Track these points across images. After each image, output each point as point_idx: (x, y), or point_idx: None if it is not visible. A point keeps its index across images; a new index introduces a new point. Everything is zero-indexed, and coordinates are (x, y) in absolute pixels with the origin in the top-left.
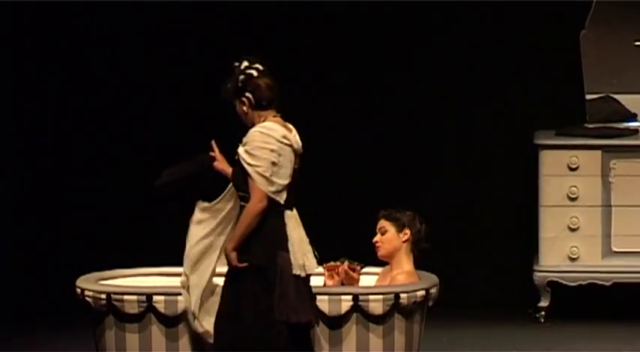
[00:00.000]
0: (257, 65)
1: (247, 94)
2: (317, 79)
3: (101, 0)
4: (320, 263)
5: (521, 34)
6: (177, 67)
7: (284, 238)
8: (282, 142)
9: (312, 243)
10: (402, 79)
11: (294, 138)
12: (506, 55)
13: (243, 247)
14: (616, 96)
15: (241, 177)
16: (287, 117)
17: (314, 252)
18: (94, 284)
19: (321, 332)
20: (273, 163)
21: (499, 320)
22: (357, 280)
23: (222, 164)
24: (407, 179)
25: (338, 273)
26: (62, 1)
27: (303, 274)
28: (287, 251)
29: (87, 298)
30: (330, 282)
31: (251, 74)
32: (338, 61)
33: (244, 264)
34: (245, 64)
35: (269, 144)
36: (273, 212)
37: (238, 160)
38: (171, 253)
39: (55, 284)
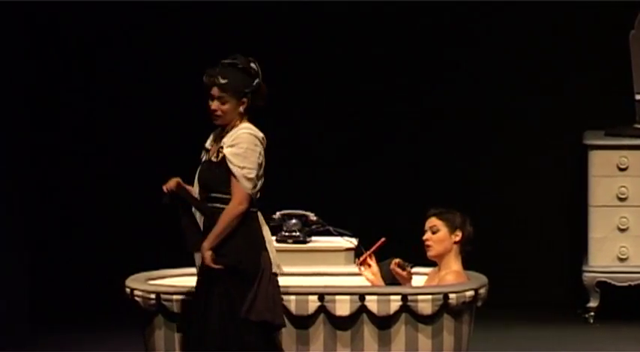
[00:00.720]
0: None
1: (249, 96)
2: (366, 79)
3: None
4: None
5: (570, 34)
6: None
7: (263, 238)
8: (262, 144)
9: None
10: (451, 80)
11: None
12: (555, 55)
13: (223, 248)
14: None
15: (221, 178)
16: (338, 116)
17: (362, 252)
18: (143, 283)
19: (369, 332)
20: (260, 165)
21: (548, 320)
22: (408, 279)
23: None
24: (455, 179)
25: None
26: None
27: (279, 272)
28: (267, 251)
29: (136, 298)
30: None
31: (260, 80)
32: (392, 60)
33: (219, 266)
34: (256, 67)
35: (257, 147)
36: (250, 213)
37: (221, 161)
38: None
39: (104, 285)
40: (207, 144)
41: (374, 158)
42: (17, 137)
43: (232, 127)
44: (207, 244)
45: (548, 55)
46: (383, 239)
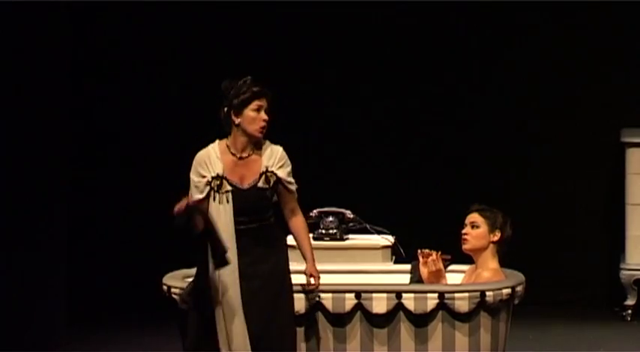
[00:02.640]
0: None
1: None
2: (407, 78)
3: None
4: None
5: (606, 32)
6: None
7: None
8: None
9: (398, 239)
10: (489, 79)
11: None
12: (593, 53)
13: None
14: None
15: (270, 201)
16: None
17: (399, 249)
18: (180, 281)
19: (406, 330)
20: None
21: (585, 318)
22: (440, 270)
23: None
24: (493, 177)
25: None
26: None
27: None
28: None
29: (173, 295)
30: (424, 269)
31: None
32: (430, 59)
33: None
34: None
35: None
36: None
37: (274, 185)
38: None
39: (142, 282)
40: (219, 172)
41: (411, 156)
42: (58, 134)
43: (256, 145)
44: (315, 266)
45: (585, 53)
46: (449, 256)
